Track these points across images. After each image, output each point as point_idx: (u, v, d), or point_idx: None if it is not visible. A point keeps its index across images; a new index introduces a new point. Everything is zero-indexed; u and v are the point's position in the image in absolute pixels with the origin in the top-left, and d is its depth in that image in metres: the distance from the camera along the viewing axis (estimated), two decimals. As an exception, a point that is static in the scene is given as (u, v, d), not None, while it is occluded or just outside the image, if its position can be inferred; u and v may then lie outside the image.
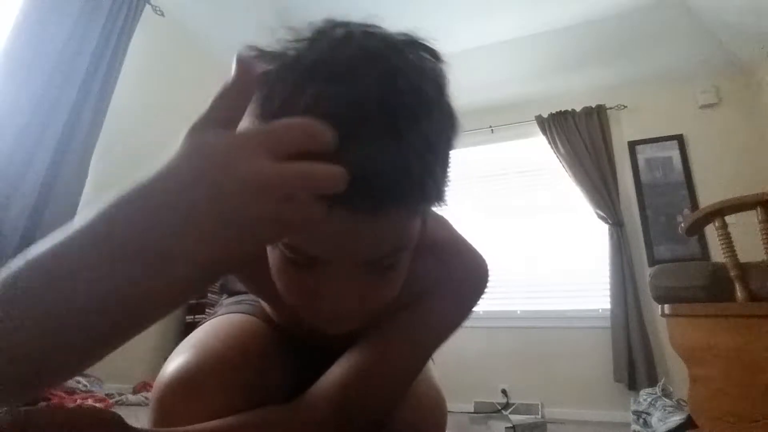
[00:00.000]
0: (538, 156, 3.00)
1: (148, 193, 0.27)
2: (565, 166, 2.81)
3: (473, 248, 0.56)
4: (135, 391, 1.95)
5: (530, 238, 2.88)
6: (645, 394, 1.89)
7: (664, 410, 1.72)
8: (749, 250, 1.61)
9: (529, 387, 2.53)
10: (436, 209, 0.37)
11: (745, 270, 1.18)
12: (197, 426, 0.40)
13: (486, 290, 0.55)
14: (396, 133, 0.31)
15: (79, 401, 1.36)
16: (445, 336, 0.53)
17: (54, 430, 0.31)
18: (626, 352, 2.37)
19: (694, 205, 2.55)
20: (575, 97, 2.92)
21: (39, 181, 1.64)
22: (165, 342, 2.25)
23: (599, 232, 2.69)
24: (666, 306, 1.32)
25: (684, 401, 1.66)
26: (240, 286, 0.71)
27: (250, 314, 0.61)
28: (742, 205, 1.26)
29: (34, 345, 0.25)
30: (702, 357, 1.23)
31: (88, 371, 1.62)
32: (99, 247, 0.27)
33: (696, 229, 1.39)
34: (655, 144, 2.75)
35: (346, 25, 0.34)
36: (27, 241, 1.60)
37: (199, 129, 0.29)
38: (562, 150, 2.83)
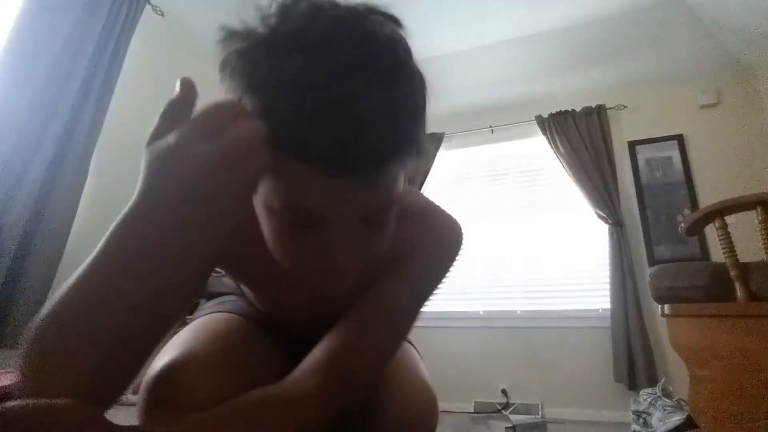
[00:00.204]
0: (538, 156, 3.00)
1: (140, 210, 0.34)
2: (565, 166, 2.81)
3: (447, 213, 0.60)
4: (135, 391, 1.94)
5: (530, 238, 2.88)
6: (645, 394, 1.89)
7: (664, 410, 1.72)
8: (749, 250, 1.61)
9: (529, 387, 2.53)
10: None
11: (745, 270, 1.18)
12: (190, 417, 0.40)
13: (460, 252, 0.58)
14: (381, 93, 0.33)
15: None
16: (424, 298, 0.55)
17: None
18: (626, 352, 2.37)
19: (694, 205, 2.55)
20: (575, 97, 2.92)
21: (39, 181, 1.64)
22: (163, 343, 2.25)
23: (599, 232, 2.69)
24: (666, 306, 1.32)
25: (684, 401, 1.66)
26: (220, 288, 0.74)
27: (231, 312, 0.63)
28: (742, 205, 1.26)
29: (90, 362, 0.32)
30: (702, 357, 1.23)
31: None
32: (125, 259, 0.33)
33: (696, 229, 1.39)
34: (655, 144, 2.75)
35: None
36: (27, 241, 1.60)
37: (153, 140, 0.35)
38: (562, 150, 2.83)
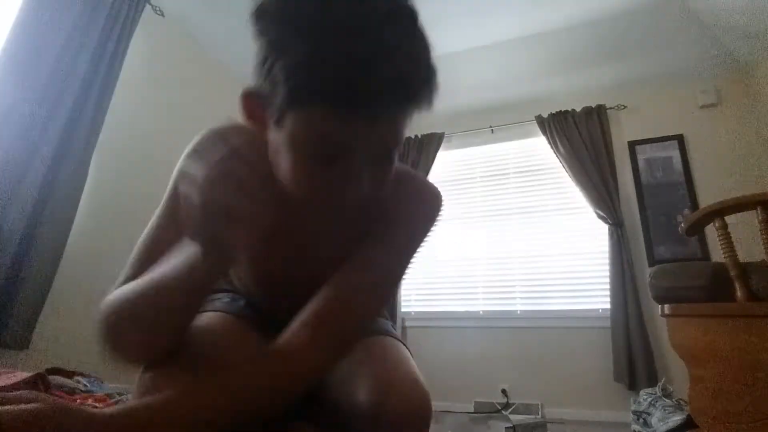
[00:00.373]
0: (538, 156, 3.00)
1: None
2: (565, 166, 2.81)
3: (426, 179, 0.68)
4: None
5: (530, 238, 2.88)
6: (645, 394, 1.89)
7: (664, 410, 1.72)
8: (749, 250, 1.61)
9: (529, 387, 2.53)
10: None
11: (745, 270, 1.18)
12: (189, 375, 0.47)
13: (441, 213, 0.63)
14: (410, 42, 0.41)
15: (79, 401, 1.36)
16: (408, 258, 0.59)
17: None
18: (626, 353, 2.37)
19: (694, 205, 2.55)
20: (575, 97, 2.92)
21: (39, 181, 1.64)
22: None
23: (599, 232, 2.69)
24: (666, 306, 1.32)
25: (684, 401, 1.66)
26: None
27: (217, 311, 0.66)
28: (742, 205, 1.26)
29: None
30: (702, 357, 1.23)
31: (89, 371, 1.62)
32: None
33: (696, 229, 1.39)
34: (655, 144, 2.75)
35: None
36: (27, 241, 1.60)
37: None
38: (562, 150, 2.83)
